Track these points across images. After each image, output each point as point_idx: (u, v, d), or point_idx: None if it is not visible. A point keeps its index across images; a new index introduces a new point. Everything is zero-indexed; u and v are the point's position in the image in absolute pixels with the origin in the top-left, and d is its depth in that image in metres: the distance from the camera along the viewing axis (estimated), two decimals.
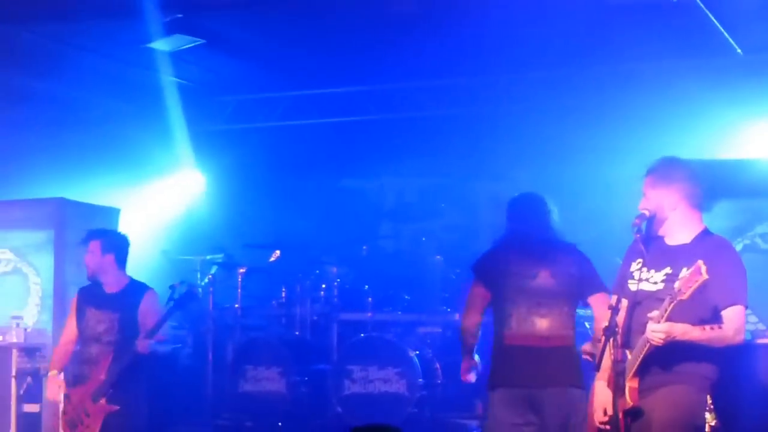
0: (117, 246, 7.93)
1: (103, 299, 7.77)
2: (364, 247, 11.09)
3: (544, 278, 6.69)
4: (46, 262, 9.83)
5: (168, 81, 10.82)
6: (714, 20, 9.26)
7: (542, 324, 6.63)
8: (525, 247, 6.74)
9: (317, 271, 10.86)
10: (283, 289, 10.90)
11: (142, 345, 7.46)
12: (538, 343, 6.59)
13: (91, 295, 7.85)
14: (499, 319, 6.73)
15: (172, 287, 7.82)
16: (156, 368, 7.87)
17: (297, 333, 10.77)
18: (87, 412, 7.60)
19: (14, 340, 9.30)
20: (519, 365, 6.57)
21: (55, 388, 7.73)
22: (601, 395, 5.79)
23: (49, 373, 7.85)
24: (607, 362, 5.73)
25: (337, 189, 12.38)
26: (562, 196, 10.37)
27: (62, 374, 7.85)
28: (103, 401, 7.56)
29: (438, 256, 10.78)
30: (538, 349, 6.59)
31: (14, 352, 9.02)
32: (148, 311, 7.69)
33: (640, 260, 5.97)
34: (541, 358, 6.58)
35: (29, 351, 9.10)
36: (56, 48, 9.95)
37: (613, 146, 10.28)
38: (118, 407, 7.55)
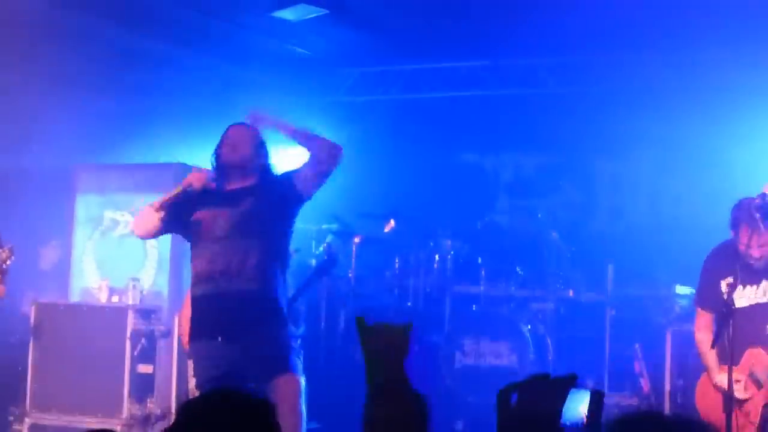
0: None
1: None
2: (479, 222, 10.76)
3: None
4: None
5: (290, 51, 10.60)
6: None
7: None
8: None
9: (431, 243, 10.58)
10: (397, 260, 10.70)
11: None
12: None
13: None
14: None
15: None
16: None
17: (409, 304, 10.52)
18: None
19: (131, 301, 9.09)
20: None
21: None
22: None
23: None
24: None
25: (454, 163, 12.11)
26: (683, 176, 10.51)
27: None
28: None
29: (554, 233, 10.44)
30: None
31: (130, 313, 8.77)
32: None
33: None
34: None
35: (145, 313, 8.87)
36: (184, 13, 9.71)
37: (732, 129, 9.83)
38: None
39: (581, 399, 2.81)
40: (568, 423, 2.75)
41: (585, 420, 2.78)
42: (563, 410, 2.71)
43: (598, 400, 2.83)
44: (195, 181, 6.42)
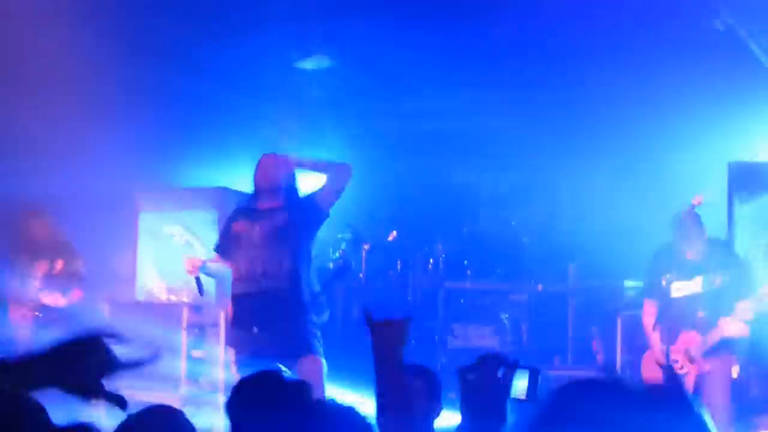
0: None
1: None
2: (465, 229, 11.61)
3: None
4: (210, 236, 9.94)
5: (308, 93, 11.21)
6: None
7: None
8: None
9: (426, 248, 11.29)
10: (399, 262, 11.40)
11: None
12: None
13: None
14: None
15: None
16: None
17: (409, 298, 11.23)
18: None
19: (184, 299, 9.97)
20: None
21: None
22: None
23: None
24: None
25: (444, 181, 12.61)
26: (632, 189, 10.86)
27: None
28: None
29: (525, 238, 11.31)
30: None
31: (185, 309, 9.51)
32: None
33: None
34: None
35: (197, 308, 9.52)
36: (226, 61, 10.56)
37: (674, 146, 10.27)
38: None
39: (522, 376, 3.03)
40: (512, 395, 3.01)
41: (525, 393, 3.01)
42: (511, 385, 3.00)
43: (535, 376, 3.02)
44: (190, 269, 7.08)
